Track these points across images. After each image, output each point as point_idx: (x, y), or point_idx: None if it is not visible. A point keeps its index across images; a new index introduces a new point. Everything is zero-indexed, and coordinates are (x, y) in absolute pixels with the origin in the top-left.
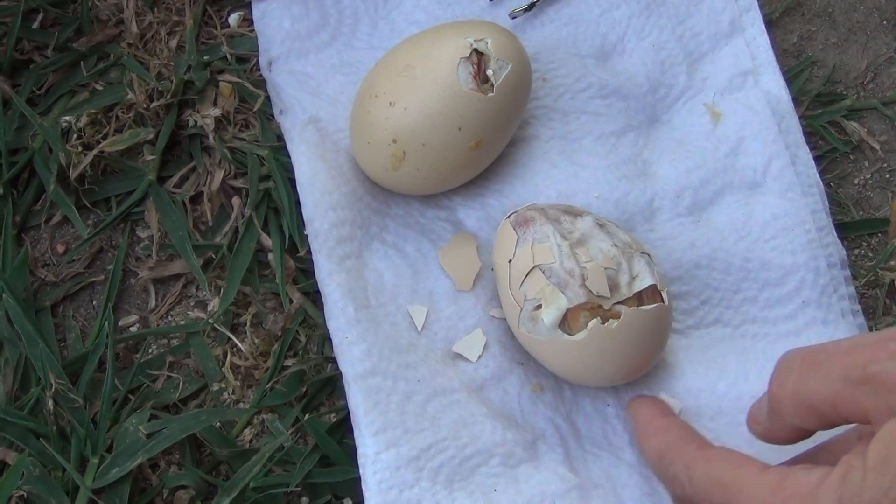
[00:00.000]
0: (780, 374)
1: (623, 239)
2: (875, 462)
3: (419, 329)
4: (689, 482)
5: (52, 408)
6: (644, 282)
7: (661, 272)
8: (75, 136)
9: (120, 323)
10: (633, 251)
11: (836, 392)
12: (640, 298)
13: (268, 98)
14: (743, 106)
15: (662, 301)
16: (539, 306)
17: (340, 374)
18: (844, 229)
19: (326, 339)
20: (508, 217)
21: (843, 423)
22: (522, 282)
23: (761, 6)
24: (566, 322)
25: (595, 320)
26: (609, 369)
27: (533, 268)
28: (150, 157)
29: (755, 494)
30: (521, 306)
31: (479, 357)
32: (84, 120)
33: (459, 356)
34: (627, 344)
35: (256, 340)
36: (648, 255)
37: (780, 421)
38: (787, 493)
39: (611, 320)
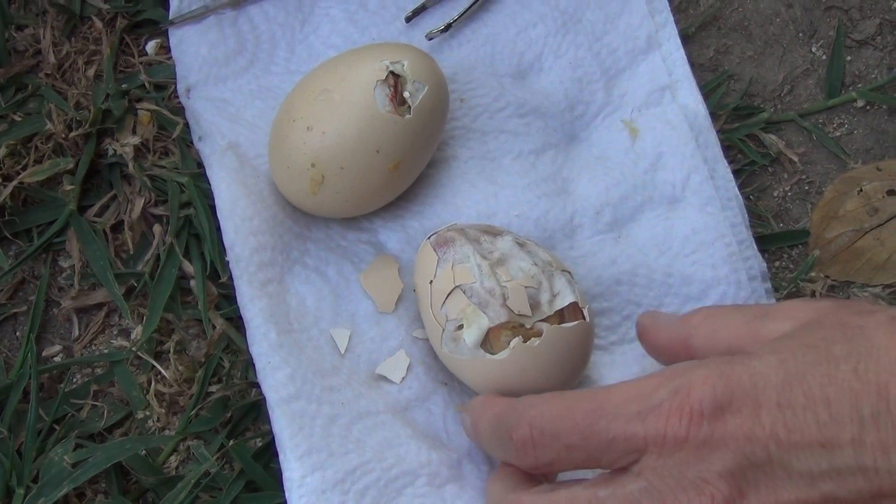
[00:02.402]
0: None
1: (543, 257)
2: None
3: (342, 352)
4: (540, 414)
5: None
6: (565, 299)
7: (583, 289)
8: None
9: (43, 353)
10: (554, 269)
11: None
12: (561, 316)
13: (187, 125)
14: (661, 121)
15: (584, 318)
16: (461, 326)
17: (264, 398)
18: (765, 242)
19: (250, 364)
20: (429, 238)
21: None
22: (444, 302)
23: (677, 21)
24: (488, 341)
25: (517, 339)
26: (532, 387)
27: (454, 288)
28: (70, 187)
29: (627, 389)
30: (443, 327)
31: (403, 378)
32: (3, 151)
33: (383, 378)
34: (549, 362)
35: (180, 367)
36: (569, 272)
37: None
38: (663, 376)
39: (532, 339)
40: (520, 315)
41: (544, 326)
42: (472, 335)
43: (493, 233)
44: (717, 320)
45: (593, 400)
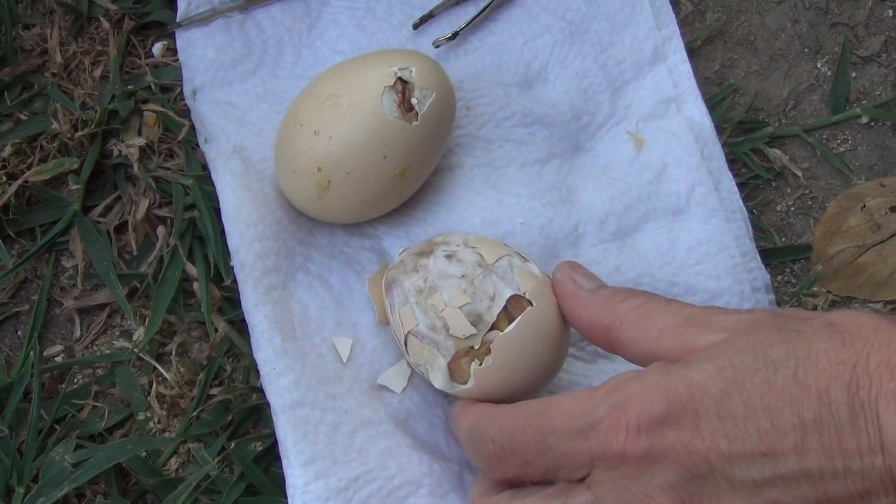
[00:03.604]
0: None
1: (471, 260)
2: None
3: (344, 361)
4: (500, 430)
5: None
6: (503, 297)
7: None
8: None
9: (45, 353)
10: (483, 270)
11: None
12: (508, 315)
13: (192, 127)
14: (666, 133)
15: (530, 305)
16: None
17: (266, 403)
18: (767, 256)
19: (252, 368)
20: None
21: None
22: (406, 350)
23: (683, 34)
24: (455, 374)
25: (474, 363)
26: (514, 395)
27: (406, 335)
28: (74, 187)
29: (571, 405)
30: (418, 372)
31: (404, 389)
32: (8, 150)
33: (385, 388)
34: (515, 368)
35: (182, 369)
36: (508, 254)
37: None
38: (603, 390)
39: (486, 357)
40: (466, 338)
41: (493, 336)
42: (437, 379)
43: (429, 251)
44: (645, 316)
45: (543, 416)
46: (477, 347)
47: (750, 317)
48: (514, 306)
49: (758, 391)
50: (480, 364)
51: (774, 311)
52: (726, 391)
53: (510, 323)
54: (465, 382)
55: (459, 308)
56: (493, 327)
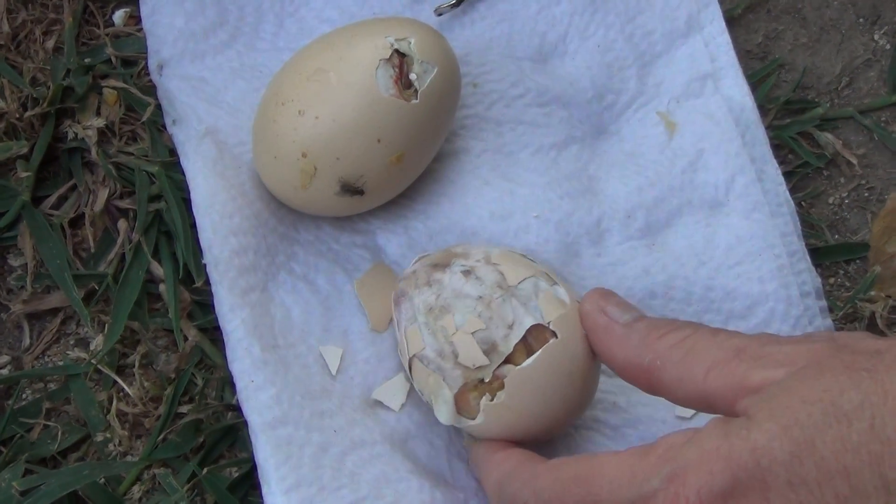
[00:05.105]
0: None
1: (490, 280)
2: None
3: (333, 373)
4: (536, 496)
5: None
6: (522, 327)
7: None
8: None
9: None
10: (502, 293)
11: None
12: (528, 346)
13: (158, 107)
14: (702, 115)
15: (554, 336)
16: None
17: (243, 422)
18: (818, 255)
19: (227, 382)
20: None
21: None
22: (410, 375)
23: (722, 2)
24: (462, 408)
25: (485, 398)
26: (530, 434)
27: (411, 359)
28: (23, 175)
29: (618, 471)
30: (426, 402)
31: (403, 405)
32: None
33: (380, 404)
34: (530, 409)
35: (146, 384)
36: (537, 275)
37: None
38: (654, 455)
39: (498, 393)
40: (477, 369)
41: (507, 369)
42: (442, 413)
43: (445, 263)
44: (690, 353)
45: (585, 484)
46: (488, 381)
47: (808, 349)
48: (534, 337)
49: (831, 451)
50: (491, 400)
51: (837, 342)
52: (796, 454)
53: (529, 356)
54: (473, 418)
55: (472, 334)
56: (508, 359)
